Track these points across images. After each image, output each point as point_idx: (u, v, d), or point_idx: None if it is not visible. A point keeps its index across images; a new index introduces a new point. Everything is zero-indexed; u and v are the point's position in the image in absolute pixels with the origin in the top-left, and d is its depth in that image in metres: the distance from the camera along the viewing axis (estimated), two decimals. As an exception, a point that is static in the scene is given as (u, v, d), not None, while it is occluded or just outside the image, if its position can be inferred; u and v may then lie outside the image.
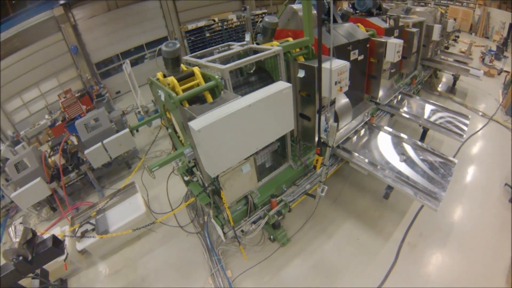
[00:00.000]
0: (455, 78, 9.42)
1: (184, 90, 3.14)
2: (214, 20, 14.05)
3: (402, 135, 5.40)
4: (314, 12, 4.39)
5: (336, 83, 3.64)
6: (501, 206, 5.26)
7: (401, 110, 6.31)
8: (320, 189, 4.28)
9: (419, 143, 5.21)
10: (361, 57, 5.07)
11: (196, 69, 3.31)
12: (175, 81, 3.14)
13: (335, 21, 5.01)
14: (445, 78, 10.78)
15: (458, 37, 17.29)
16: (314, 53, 4.05)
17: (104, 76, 15.11)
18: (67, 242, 5.14)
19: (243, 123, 2.63)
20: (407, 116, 6.14)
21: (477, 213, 5.15)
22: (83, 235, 5.30)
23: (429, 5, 8.57)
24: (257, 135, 2.81)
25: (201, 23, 14.01)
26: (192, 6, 14.59)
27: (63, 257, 4.69)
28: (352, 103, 5.38)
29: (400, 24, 6.04)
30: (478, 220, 5.00)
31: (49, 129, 12.54)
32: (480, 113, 8.33)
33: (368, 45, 5.15)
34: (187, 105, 2.98)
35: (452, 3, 22.19)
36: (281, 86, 2.86)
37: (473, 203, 5.38)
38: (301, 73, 3.61)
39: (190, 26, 13.97)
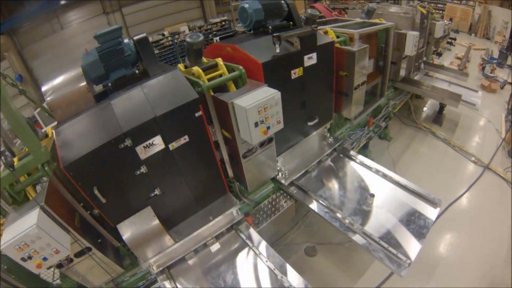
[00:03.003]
0: (442, 103, 6.77)
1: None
2: (163, 35, 11.71)
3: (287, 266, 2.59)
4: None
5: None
6: None
7: (315, 196, 3.32)
8: None
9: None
10: (181, 141, 2.46)
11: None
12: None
13: (144, 78, 2.60)
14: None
15: (454, 39, 14.33)
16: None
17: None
18: None
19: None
20: (321, 213, 3.17)
21: None
22: None
23: (411, 2, 5.99)
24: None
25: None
26: (143, 19, 12.28)
27: None
28: (203, 200, 3.05)
29: (326, 40, 3.35)
30: None
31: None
32: (473, 158, 5.51)
33: (198, 115, 2.48)
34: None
35: (450, 1, 19.26)
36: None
37: None
38: None
39: (136, 45, 11.74)
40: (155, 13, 12.62)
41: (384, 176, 3.43)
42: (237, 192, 3.38)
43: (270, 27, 3.26)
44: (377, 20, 5.47)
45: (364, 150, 5.21)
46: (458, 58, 12.70)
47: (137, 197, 2.53)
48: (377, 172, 3.48)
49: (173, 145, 2.43)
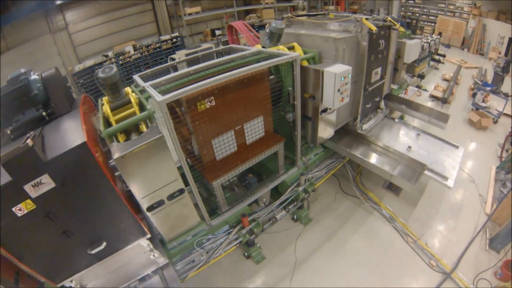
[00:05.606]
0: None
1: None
2: (106, 56, 9.94)
3: None
4: None
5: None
6: None
7: None
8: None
9: None
10: None
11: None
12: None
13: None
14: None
15: (444, 56, 11.81)
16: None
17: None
18: None
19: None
20: None
21: None
22: None
23: (359, 14, 3.69)
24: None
25: (89, 62, 9.98)
26: (92, 37, 10.61)
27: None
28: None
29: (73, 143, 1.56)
30: None
31: None
32: (432, 260, 3.20)
33: None
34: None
35: (442, 14, 16.86)
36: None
37: None
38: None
39: (77, 67, 10.03)
40: (105, 30, 10.84)
41: None
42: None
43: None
44: (281, 49, 3.35)
45: (248, 249, 3.15)
46: (445, 80, 10.37)
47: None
48: None
49: None
